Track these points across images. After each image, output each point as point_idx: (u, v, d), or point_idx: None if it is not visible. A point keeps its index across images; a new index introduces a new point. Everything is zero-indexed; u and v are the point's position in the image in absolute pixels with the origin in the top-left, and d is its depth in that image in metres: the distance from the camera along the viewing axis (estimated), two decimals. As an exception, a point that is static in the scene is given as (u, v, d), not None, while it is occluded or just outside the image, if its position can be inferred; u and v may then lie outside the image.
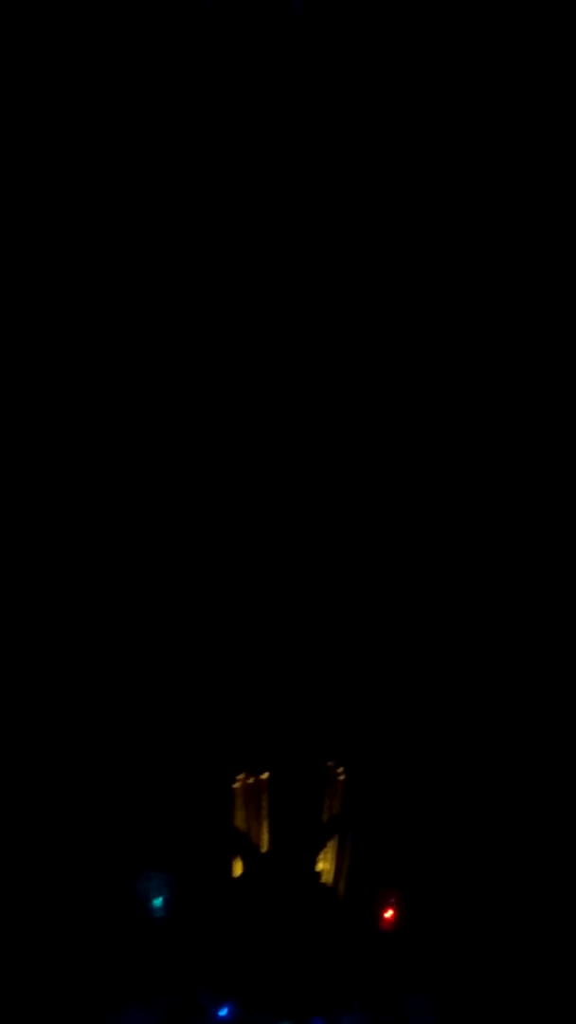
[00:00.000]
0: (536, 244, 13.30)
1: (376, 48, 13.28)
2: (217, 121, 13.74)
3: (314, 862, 13.68)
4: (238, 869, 13.69)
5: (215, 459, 13.89)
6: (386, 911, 13.53)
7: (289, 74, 13.52)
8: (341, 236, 13.68)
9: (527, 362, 13.25)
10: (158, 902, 13.35)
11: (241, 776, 13.78)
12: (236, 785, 13.77)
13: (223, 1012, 12.82)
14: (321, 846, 13.68)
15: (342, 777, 13.80)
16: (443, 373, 13.44)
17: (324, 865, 13.73)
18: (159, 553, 14.03)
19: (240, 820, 13.74)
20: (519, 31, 12.89)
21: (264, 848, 13.74)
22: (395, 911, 13.50)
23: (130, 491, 13.84)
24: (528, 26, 12.85)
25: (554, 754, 13.70)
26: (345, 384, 13.62)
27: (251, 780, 13.76)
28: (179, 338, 13.97)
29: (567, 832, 13.53)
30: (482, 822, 13.69)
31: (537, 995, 13.08)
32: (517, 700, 13.65)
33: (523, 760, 13.59)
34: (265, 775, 13.80)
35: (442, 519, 13.69)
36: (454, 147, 13.27)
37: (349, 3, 13.16)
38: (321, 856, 13.68)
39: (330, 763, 13.82)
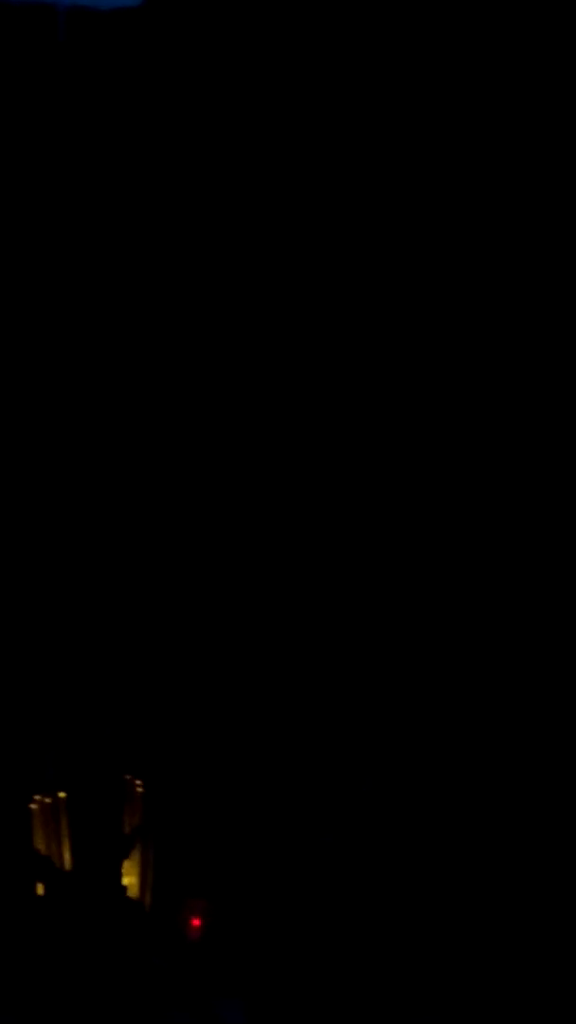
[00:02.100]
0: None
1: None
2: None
3: (119, 876, 13.58)
4: (40, 890, 13.50)
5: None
6: (193, 919, 13.54)
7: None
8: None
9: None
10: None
11: (38, 797, 13.58)
12: (33, 806, 13.56)
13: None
14: (124, 859, 13.59)
15: (140, 789, 13.73)
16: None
17: (129, 879, 13.64)
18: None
19: (39, 841, 13.53)
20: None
21: (67, 867, 13.58)
22: (202, 919, 13.53)
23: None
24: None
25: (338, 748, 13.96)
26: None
27: (48, 800, 13.58)
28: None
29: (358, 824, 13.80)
30: (283, 825, 13.83)
31: (348, 991, 13.25)
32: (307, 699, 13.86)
33: (321, 759, 13.80)
34: (62, 794, 13.62)
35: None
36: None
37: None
38: (125, 869, 13.60)
39: (127, 776, 13.74)
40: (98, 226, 13.93)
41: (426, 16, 13.46)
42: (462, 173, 13.34)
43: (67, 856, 13.63)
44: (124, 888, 13.71)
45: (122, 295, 13.95)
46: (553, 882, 13.08)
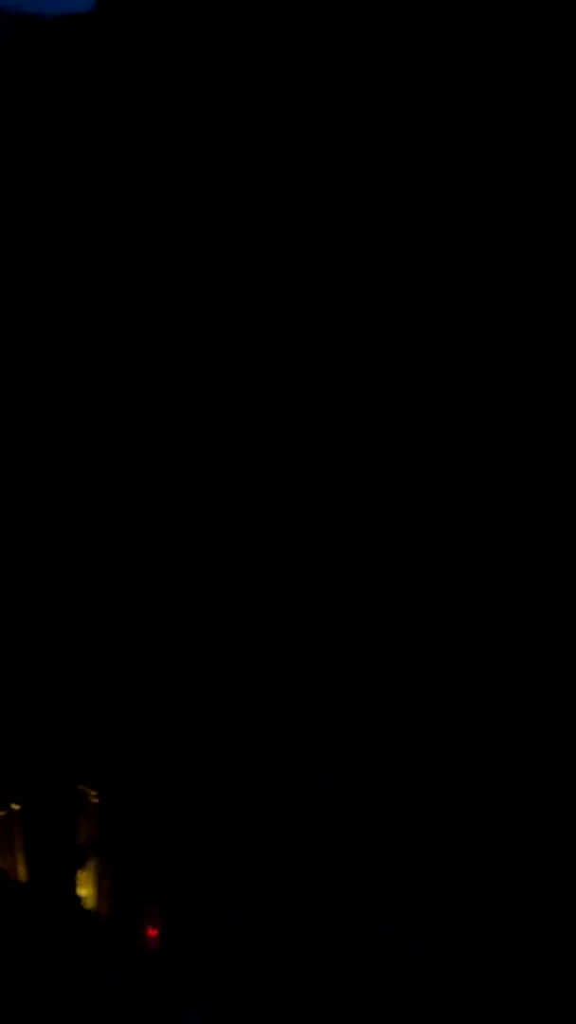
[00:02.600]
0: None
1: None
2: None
3: (74, 888, 13.46)
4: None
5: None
6: (151, 929, 13.44)
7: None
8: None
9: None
10: None
11: (-10, 810, 13.54)
12: (-14, 820, 13.49)
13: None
14: (79, 870, 13.49)
15: (94, 800, 13.78)
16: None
17: (85, 890, 13.53)
18: None
19: (-7, 855, 13.43)
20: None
21: (22, 879, 13.41)
22: (159, 928, 13.44)
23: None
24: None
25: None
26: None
27: (1, 812, 13.52)
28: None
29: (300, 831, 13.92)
30: (238, 835, 13.88)
31: (308, 997, 13.22)
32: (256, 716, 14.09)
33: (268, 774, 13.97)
34: (16, 806, 13.59)
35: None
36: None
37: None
38: (81, 880, 13.48)
39: (81, 787, 13.79)
40: (42, 224, 14.63)
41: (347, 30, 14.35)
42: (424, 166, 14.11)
43: (22, 868, 13.53)
44: (80, 899, 13.62)
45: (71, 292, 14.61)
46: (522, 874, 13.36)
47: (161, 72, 13.96)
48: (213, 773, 14.04)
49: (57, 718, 14.04)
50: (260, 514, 14.26)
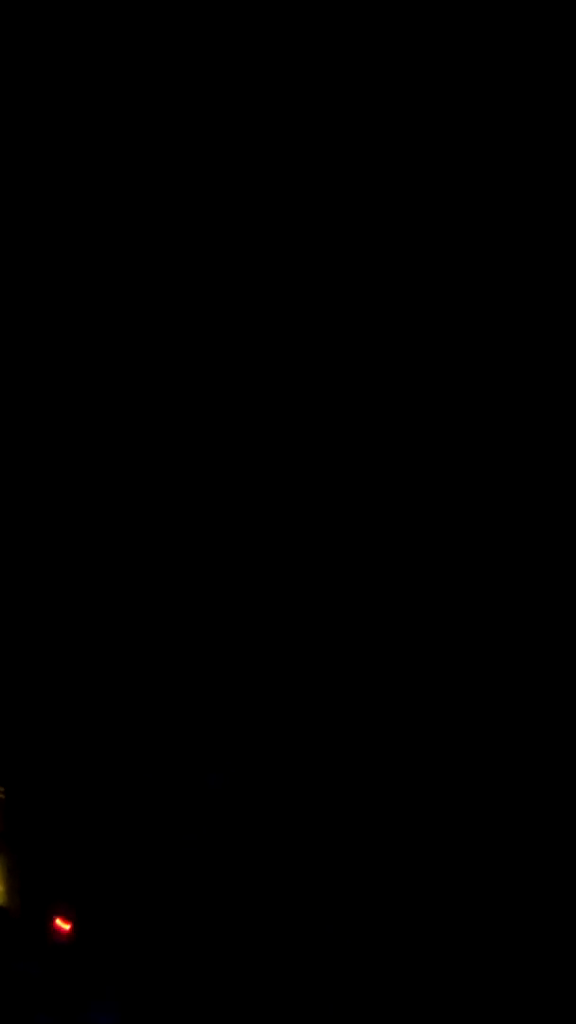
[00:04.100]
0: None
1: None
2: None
3: (-17, 885, 13.42)
4: None
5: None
6: (60, 923, 13.46)
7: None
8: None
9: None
10: None
11: None
12: None
13: None
14: (-12, 867, 13.44)
15: (1, 796, 13.60)
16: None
17: (-6, 887, 13.50)
18: None
19: None
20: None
21: None
22: (70, 922, 13.46)
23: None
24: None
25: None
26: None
27: None
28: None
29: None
30: (147, 823, 13.82)
31: (224, 989, 13.35)
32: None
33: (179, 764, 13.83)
34: None
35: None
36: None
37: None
38: (-11, 877, 13.45)
39: (-13, 783, 13.57)
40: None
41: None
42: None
43: None
44: (-10, 896, 13.56)
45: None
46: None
47: (90, 77, 12.76)
48: (120, 767, 13.82)
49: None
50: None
